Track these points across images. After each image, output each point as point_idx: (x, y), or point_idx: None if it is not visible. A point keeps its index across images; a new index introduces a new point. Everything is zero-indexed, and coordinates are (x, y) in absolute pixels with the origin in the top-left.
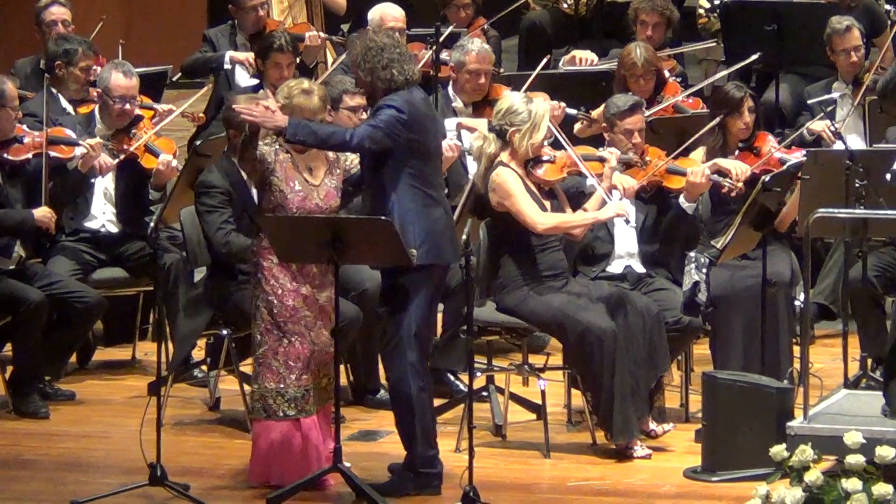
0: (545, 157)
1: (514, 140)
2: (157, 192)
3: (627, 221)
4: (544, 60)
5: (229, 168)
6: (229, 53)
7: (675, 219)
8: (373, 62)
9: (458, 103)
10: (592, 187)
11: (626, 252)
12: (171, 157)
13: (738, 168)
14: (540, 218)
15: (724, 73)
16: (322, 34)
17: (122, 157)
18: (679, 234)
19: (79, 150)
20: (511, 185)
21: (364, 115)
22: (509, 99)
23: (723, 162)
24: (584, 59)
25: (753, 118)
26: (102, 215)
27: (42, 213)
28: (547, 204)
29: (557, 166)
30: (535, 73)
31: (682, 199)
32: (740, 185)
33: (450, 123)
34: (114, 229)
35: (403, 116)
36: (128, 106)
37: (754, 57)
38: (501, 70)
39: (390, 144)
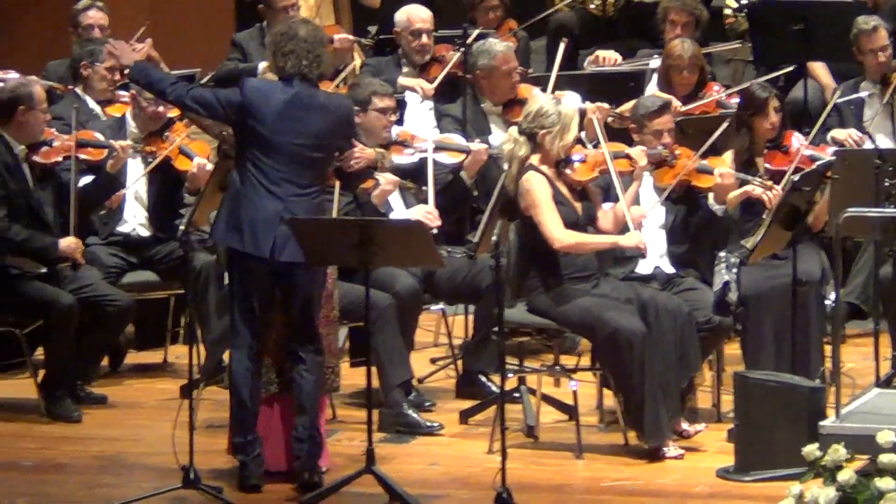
0: (576, 157)
1: (545, 142)
2: (192, 197)
3: (643, 256)
4: (561, 45)
5: None
6: (263, 64)
7: (705, 220)
8: (276, 45)
9: (486, 104)
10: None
11: (655, 252)
12: (206, 161)
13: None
14: (560, 234)
15: (769, 76)
16: (350, 36)
17: (156, 161)
18: (708, 236)
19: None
20: (538, 195)
21: (394, 117)
22: (538, 101)
23: (756, 181)
24: (607, 58)
25: (780, 118)
26: (133, 219)
27: (67, 243)
28: (578, 206)
29: (589, 165)
30: (556, 66)
31: (711, 201)
32: (770, 185)
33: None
34: (145, 233)
35: (237, 98)
36: (161, 108)
37: (788, 69)
38: (530, 70)
39: (215, 116)
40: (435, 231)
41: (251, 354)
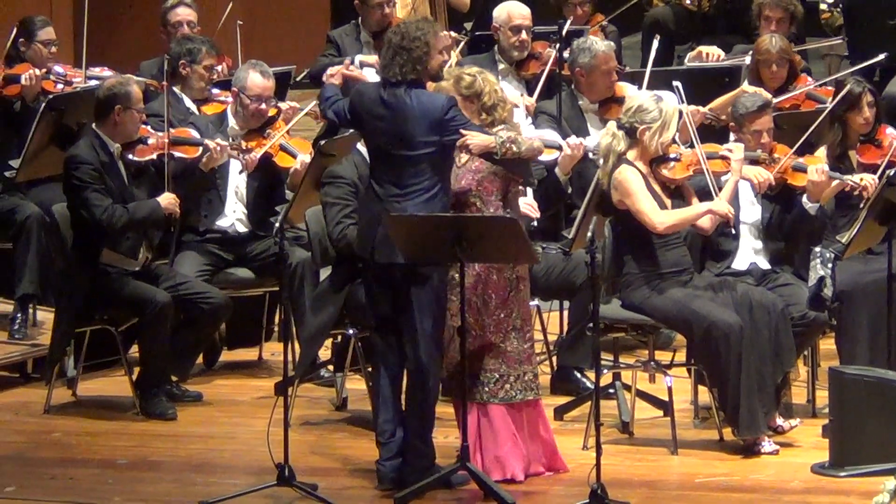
0: (672, 156)
1: (644, 138)
2: (293, 193)
3: (727, 224)
4: (655, 42)
5: (360, 161)
6: (359, 57)
7: (799, 219)
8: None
9: (583, 101)
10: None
11: (751, 248)
12: (309, 158)
13: (866, 179)
14: (659, 217)
15: (855, 68)
16: (453, 33)
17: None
18: (802, 234)
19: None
20: (632, 184)
21: None
22: (639, 97)
23: (848, 178)
24: (710, 54)
25: (874, 112)
26: (233, 213)
27: (167, 199)
28: (668, 202)
29: (684, 164)
30: (650, 63)
31: (804, 199)
32: (864, 183)
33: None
34: (242, 229)
35: (346, 103)
36: (263, 106)
37: (881, 57)
38: (626, 67)
39: (345, 124)
40: (535, 224)
41: (388, 357)
